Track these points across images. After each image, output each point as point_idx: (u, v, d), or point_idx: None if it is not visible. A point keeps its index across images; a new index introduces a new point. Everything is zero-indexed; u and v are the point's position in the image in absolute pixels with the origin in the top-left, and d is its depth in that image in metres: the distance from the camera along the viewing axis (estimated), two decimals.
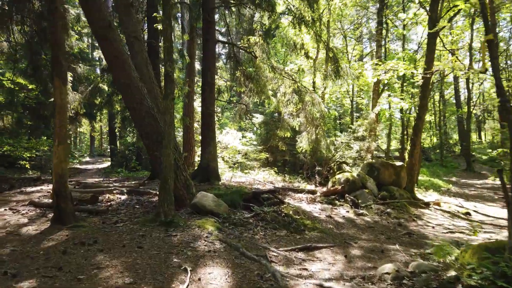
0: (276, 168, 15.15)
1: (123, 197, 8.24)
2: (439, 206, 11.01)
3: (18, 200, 7.68)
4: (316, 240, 6.24)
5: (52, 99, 11.68)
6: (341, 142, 13.48)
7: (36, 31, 12.52)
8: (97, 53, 16.03)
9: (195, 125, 17.52)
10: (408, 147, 12.91)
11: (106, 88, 16.44)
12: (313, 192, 10.85)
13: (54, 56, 5.80)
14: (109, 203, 7.54)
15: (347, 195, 9.78)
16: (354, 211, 8.85)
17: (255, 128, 20.92)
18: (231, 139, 18.41)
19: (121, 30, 8.53)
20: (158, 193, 6.32)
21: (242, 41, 13.34)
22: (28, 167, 14.41)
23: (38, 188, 9.69)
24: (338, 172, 11.72)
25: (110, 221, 6.00)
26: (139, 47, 8.09)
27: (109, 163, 26.33)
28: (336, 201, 9.57)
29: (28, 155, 13.98)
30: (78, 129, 30.08)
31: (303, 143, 13.70)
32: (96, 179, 14.24)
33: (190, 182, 7.45)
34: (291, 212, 7.28)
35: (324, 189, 11.17)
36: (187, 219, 6.28)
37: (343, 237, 6.69)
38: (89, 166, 25.91)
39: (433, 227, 8.39)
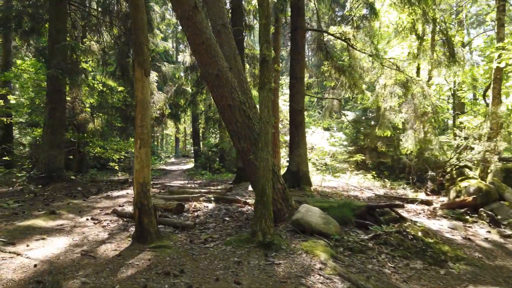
0: (373, 172, 13.23)
1: (210, 205, 7.28)
2: None
3: (103, 207, 7.15)
4: (469, 278, 4.47)
5: None
6: (460, 142, 11.13)
7: (123, 31, 12.47)
8: (182, 56, 15.80)
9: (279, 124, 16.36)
10: None
11: (189, 89, 16.22)
12: (428, 203, 8.88)
13: (136, 41, 4.94)
14: (195, 214, 6.60)
15: (481, 209, 7.66)
16: (497, 231, 6.74)
17: (342, 127, 19.10)
18: (318, 139, 16.89)
19: (207, 17, 7.60)
20: (254, 207, 5.13)
21: (333, 28, 11.79)
22: (117, 168, 14.58)
23: (124, 192, 9.27)
24: (459, 178, 9.51)
25: (199, 240, 4.96)
26: (227, 36, 7.04)
27: (192, 164, 26.57)
28: (467, 217, 7.51)
29: (117, 157, 14.09)
30: (164, 131, 31.01)
31: (408, 143, 11.64)
32: (181, 182, 13.82)
33: (288, 192, 6.16)
34: (419, 234, 5.56)
35: (444, 199, 9.10)
36: (289, 239, 4.99)
37: (503, 273, 4.81)
38: (174, 167, 26.40)
39: None
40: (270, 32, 5.26)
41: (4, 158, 10.61)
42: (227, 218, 6.18)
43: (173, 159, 34.75)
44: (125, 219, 5.96)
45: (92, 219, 5.95)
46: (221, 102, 6.02)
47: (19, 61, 12.99)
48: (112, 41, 13.28)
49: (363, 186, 12.34)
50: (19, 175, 9.19)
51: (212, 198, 7.57)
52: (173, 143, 43.66)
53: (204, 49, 5.95)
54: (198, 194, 7.80)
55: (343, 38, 11.45)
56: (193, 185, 12.08)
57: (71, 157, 13.91)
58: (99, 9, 12.45)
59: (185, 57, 14.35)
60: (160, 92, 12.50)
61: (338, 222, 5.49)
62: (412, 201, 9.08)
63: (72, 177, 11.26)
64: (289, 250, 4.56)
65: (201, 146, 24.02)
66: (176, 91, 13.69)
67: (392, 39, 13.04)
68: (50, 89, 9.83)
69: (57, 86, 9.78)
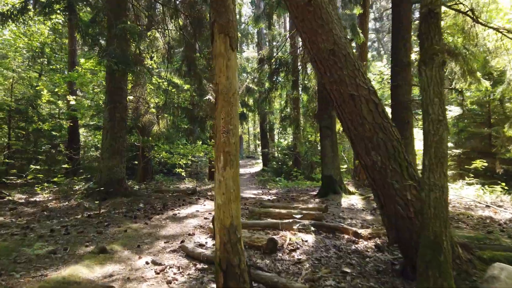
0: (503, 184, 10.21)
1: (310, 238, 5.22)
2: None
3: (168, 236, 5.43)
4: None
5: (207, 97, 9.78)
6: None
7: (190, 21, 10.97)
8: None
9: None
10: None
11: (254, 87, 14.48)
12: None
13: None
14: (294, 255, 4.58)
15: None
16: None
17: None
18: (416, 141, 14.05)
19: None
20: (418, 274, 2.94)
21: None
22: (184, 175, 13.21)
23: (193, 209, 7.60)
24: None
25: None
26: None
27: (260, 167, 24.89)
28: None
29: (184, 162, 12.68)
30: None
31: None
32: (254, 191, 11.99)
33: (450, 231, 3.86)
34: None
35: None
36: None
37: None
38: (241, 170, 24.96)
39: None
40: None
41: (64, 166, 9.57)
42: (346, 270, 4.05)
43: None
44: (198, 265, 4.11)
45: (153, 262, 4.19)
46: (338, 91, 3.92)
47: (82, 60, 12.11)
48: (177, 33, 11.88)
49: (486, 201, 9.50)
50: (77, 187, 7.94)
51: (312, 228, 5.50)
52: None
53: (311, 11, 3.91)
54: (291, 220, 5.77)
55: (465, 11, 8.73)
56: (270, 197, 10.16)
57: (135, 162, 12.79)
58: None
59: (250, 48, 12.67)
60: None
61: None
62: None
63: (135, 187, 9.95)
64: None
65: (269, 147, 22.22)
66: (248, 88, 11.96)
67: None
68: (110, 87, 8.50)
69: (117, 83, 8.42)
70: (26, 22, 12.16)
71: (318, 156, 14.41)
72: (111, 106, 8.29)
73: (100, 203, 6.85)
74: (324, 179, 9.94)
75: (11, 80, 11.56)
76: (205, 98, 9.66)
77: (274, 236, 4.96)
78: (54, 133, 12.36)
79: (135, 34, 7.19)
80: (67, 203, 7.57)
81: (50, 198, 8.47)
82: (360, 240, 5.27)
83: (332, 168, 9.83)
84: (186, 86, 13.14)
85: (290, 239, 5.04)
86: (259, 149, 38.47)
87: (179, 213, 7.18)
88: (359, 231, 5.46)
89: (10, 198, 7.96)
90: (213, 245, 5.03)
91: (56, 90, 12.00)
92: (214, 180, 2.97)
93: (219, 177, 2.86)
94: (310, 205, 7.49)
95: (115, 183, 8.07)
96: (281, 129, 17.34)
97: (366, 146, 3.80)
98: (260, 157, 32.40)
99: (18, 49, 13.15)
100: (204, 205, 8.28)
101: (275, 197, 10.15)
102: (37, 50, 13.57)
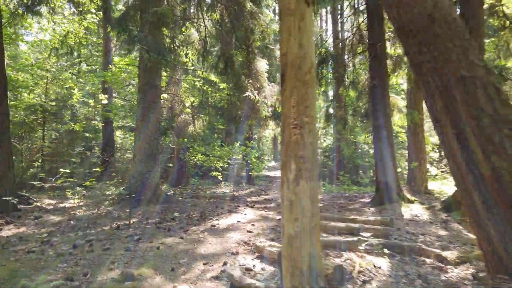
0: None
1: (383, 263, 4.15)
2: None
3: (207, 255, 4.54)
4: None
5: (247, 93, 8.88)
6: None
7: (227, 13, 10.16)
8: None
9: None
10: None
11: None
12: None
13: None
14: (366, 286, 3.56)
15: None
16: None
17: None
18: None
19: None
20: None
21: None
22: (221, 178, 12.41)
23: (234, 219, 6.71)
24: None
25: None
26: None
27: None
28: None
29: (221, 164, 11.89)
30: (263, 132, 29.09)
31: None
32: None
33: None
34: None
35: None
36: None
37: None
38: (278, 173, 23.94)
39: None
40: None
41: (95, 169, 9.02)
42: None
43: (272, 162, 32.52)
44: None
45: None
46: (439, 72, 2.86)
47: (116, 59, 11.64)
48: (214, 28, 11.12)
49: None
50: (107, 192, 7.30)
51: (385, 250, 4.43)
52: (269, 144, 41.38)
53: None
54: (355, 238, 4.73)
55: None
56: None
57: (170, 165, 12.15)
58: None
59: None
60: (273, 84, 9.93)
61: None
62: None
63: (169, 192, 9.24)
64: None
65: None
66: None
67: None
68: (143, 84, 7.81)
69: (150, 79, 7.72)
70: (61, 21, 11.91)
71: (366, 159, 13.21)
72: (144, 105, 7.60)
73: (130, 212, 6.11)
74: (379, 185, 8.74)
75: (45, 80, 11.26)
76: (244, 95, 8.80)
77: (339, 261, 3.95)
78: (87, 134, 11.96)
79: (168, 19, 6.42)
80: (96, 210, 6.92)
81: (80, 203, 7.90)
82: (448, 266, 4.13)
83: (389, 173, 8.62)
84: (222, 85, 12.36)
85: (360, 265, 4.00)
86: None
87: (218, 224, 6.31)
88: (443, 253, 4.32)
89: (38, 204, 7.44)
90: (262, 269, 4.10)
91: (88, 88, 11.58)
92: (281, 199, 2.02)
93: (289, 195, 1.90)
94: (371, 217, 6.38)
95: (148, 189, 7.36)
96: (321, 129, 16.15)
97: (483, 148, 2.71)
98: None
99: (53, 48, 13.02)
100: (245, 214, 7.37)
101: (321, 204, 9.11)
102: (72, 49, 13.33)
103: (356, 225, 5.45)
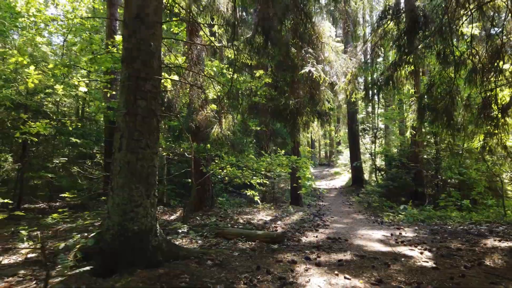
0: None
1: None
2: None
3: None
4: None
5: (307, 69, 5.31)
6: None
7: None
8: None
9: None
10: None
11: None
12: None
13: None
14: None
15: None
16: None
17: None
18: None
19: None
20: None
21: None
22: (257, 199, 8.91)
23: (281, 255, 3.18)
24: None
25: None
26: None
27: (344, 178, 20.02)
28: None
29: (258, 181, 8.38)
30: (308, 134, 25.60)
31: None
32: (372, 232, 7.24)
33: None
34: None
35: None
36: None
37: None
38: (322, 183, 20.15)
39: None
40: None
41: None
42: None
43: (311, 169, 28.76)
44: None
45: None
46: None
47: (118, 37, 8.50)
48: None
49: None
50: (61, 245, 3.94)
51: None
52: (308, 148, 37.44)
53: None
54: None
55: None
56: (419, 250, 5.35)
57: (189, 180, 8.79)
58: None
59: None
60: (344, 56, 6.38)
61: None
62: None
63: (181, 228, 5.84)
64: None
65: (359, 156, 17.24)
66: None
67: None
68: (128, 43, 4.41)
69: (142, 33, 4.34)
70: None
71: (468, 174, 9.31)
72: (127, 84, 4.21)
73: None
74: None
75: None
76: (302, 71, 5.33)
77: None
78: (78, 141, 8.82)
79: None
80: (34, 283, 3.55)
81: (29, 256, 4.59)
82: None
83: None
84: (258, 73, 8.87)
85: None
86: (334, 156, 33.37)
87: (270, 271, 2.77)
88: None
89: None
90: None
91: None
92: None
93: None
94: None
95: (134, 238, 3.94)
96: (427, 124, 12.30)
97: None
98: (339, 165, 27.31)
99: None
100: (318, 286, 3.79)
101: (425, 250, 5.37)
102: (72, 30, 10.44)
103: None
